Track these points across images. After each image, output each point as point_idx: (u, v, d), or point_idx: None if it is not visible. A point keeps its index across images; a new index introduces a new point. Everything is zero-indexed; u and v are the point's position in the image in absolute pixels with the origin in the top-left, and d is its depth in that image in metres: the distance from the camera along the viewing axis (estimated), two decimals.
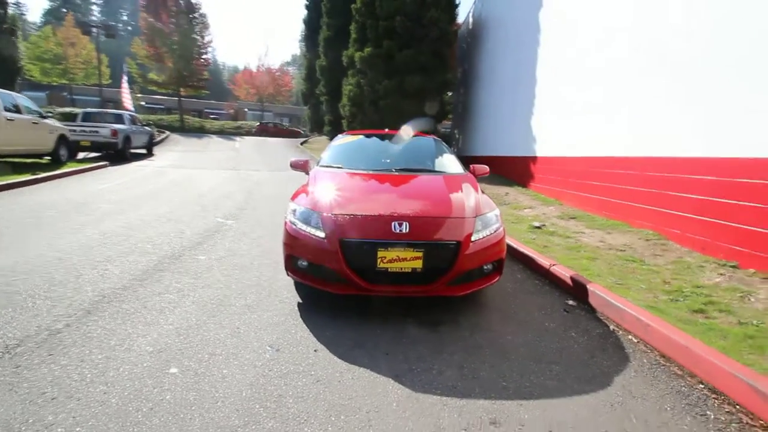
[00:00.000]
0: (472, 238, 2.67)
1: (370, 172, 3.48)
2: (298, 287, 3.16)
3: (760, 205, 3.44)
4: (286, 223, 2.94)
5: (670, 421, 1.75)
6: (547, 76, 7.95)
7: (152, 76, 26.19)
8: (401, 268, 2.54)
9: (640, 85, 5.14)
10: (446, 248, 2.60)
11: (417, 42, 12.68)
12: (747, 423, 1.73)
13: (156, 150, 16.54)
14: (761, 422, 1.72)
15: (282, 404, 1.78)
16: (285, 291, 3.11)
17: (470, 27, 14.64)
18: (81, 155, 11.99)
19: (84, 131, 11.58)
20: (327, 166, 3.71)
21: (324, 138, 21.03)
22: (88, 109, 14.18)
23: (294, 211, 2.95)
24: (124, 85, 21.71)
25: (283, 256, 2.93)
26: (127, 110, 17.47)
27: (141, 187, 8.01)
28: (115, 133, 11.89)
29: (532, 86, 8.52)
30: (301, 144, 22.48)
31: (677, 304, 2.88)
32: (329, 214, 2.72)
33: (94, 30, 20.75)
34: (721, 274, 3.41)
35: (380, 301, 2.91)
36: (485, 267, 2.78)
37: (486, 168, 4.01)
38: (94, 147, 11.82)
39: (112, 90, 29.75)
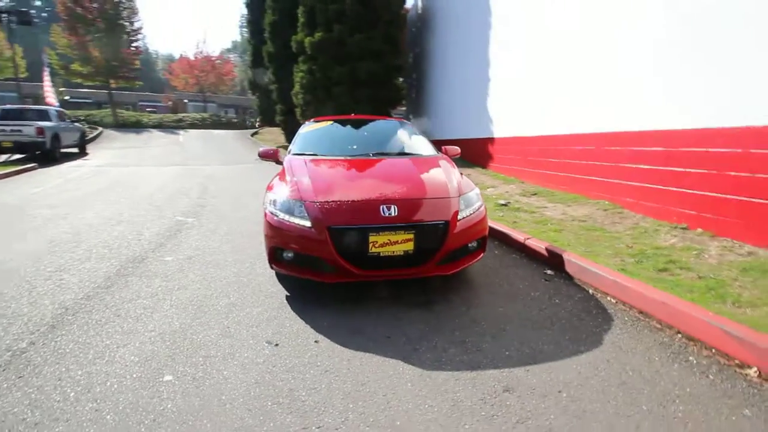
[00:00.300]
0: (459, 217, 2.71)
1: (347, 158, 3.41)
2: (283, 280, 3.06)
3: (704, 171, 3.78)
4: (266, 214, 2.82)
5: (660, 369, 1.90)
6: (500, 57, 8.17)
7: (76, 67, 23.73)
8: (393, 252, 2.53)
9: (590, 62, 5.42)
10: (435, 228, 2.61)
11: (368, 26, 12.50)
12: (724, 364, 1.92)
13: (90, 148, 15.19)
14: (735, 362, 1.91)
15: (295, 398, 1.72)
16: (269, 285, 2.99)
17: (419, 11, 14.64)
18: (2, 158, 10.76)
19: (4, 131, 10.33)
20: (300, 154, 3.59)
21: (276, 129, 20.28)
22: (7, 106, 12.62)
23: (274, 201, 2.83)
24: (47, 78, 19.52)
25: (266, 249, 2.82)
26: (51, 106, 15.79)
27: (80, 188, 7.31)
28: (41, 131, 10.72)
29: (485, 68, 8.72)
30: (252, 136, 21.57)
31: (643, 265, 3.12)
32: (314, 202, 2.64)
33: (4, 16, 18.29)
34: (675, 236, 3.73)
35: (369, 286, 2.89)
36: (470, 245, 2.83)
37: (457, 149, 4.07)
38: (17, 148, 10.59)
39: (30, 84, 26.70)
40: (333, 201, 2.63)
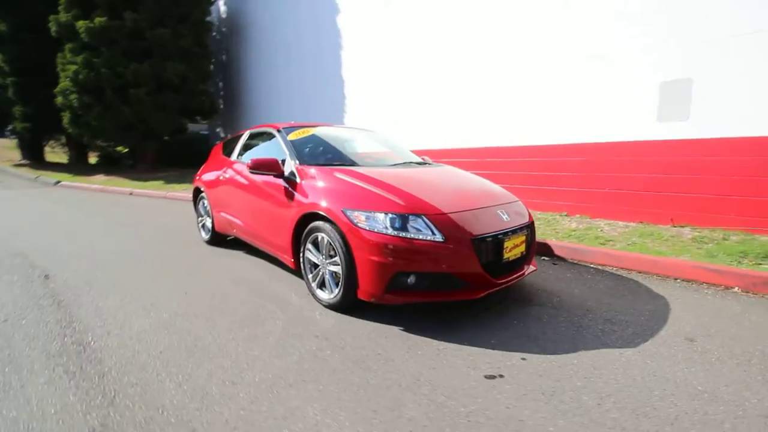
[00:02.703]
0: None
1: (393, 168, 3.15)
2: (360, 315, 2.53)
3: (574, 174, 5.37)
4: (370, 233, 2.33)
5: (712, 301, 2.77)
6: (363, 77, 8.66)
7: None
8: (516, 255, 2.58)
9: (473, 92, 6.62)
10: (531, 228, 2.81)
11: (175, 22, 10.59)
12: (721, 289, 2.99)
13: None
14: (722, 287, 3.01)
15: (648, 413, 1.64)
16: (355, 331, 2.43)
17: (223, 15, 13.44)
18: None
19: None
20: (326, 165, 3.01)
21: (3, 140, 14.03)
22: None
23: (373, 217, 2.36)
24: None
25: (377, 277, 2.34)
26: None
27: None
28: None
29: (340, 87, 9.03)
30: None
31: (585, 242, 4.22)
32: (441, 214, 2.38)
33: None
34: (571, 221, 5.14)
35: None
36: None
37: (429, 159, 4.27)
38: None
39: None
40: (459, 211, 2.44)
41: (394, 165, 3.32)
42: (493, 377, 1.90)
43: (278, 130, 3.51)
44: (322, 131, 3.66)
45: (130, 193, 9.22)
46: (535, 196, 5.79)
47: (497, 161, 6.25)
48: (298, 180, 2.93)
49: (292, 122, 3.83)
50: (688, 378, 1.87)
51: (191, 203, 5.02)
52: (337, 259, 2.53)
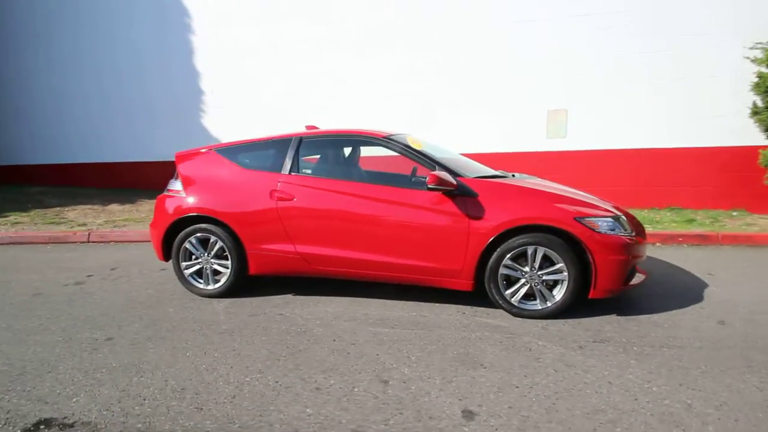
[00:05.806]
0: None
1: (523, 178, 3.39)
2: (574, 313, 2.79)
3: None
4: (610, 237, 2.69)
5: (667, 252, 4.42)
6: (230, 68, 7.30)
7: None
8: None
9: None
10: None
11: None
12: (654, 245, 4.76)
13: None
14: (651, 243, 4.81)
15: None
16: (604, 330, 2.68)
17: None
18: None
19: None
20: (483, 177, 3.08)
21: None
22: None
23: (601, 222, 2.73)
24: None
25: (620, 274, 2.72)
26: None
27: None
28: None
29: (193, 79, 7.35)
30: None
31: None
32: (627, 214, 2.95)
33: None
34: None
35: None
36: None
37: None
38: None
39: None
40: (625, 212, 3.03)
41: (514, 175, 3.50)
42: (722, 323, 2.65)
43: (388, 139, 3.01)
44: (421, 140, 3.36)
45: None
46: None
47: None
48: (475, 194, 2.73)
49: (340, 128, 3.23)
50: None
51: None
52: (559, 266, 2.64)
